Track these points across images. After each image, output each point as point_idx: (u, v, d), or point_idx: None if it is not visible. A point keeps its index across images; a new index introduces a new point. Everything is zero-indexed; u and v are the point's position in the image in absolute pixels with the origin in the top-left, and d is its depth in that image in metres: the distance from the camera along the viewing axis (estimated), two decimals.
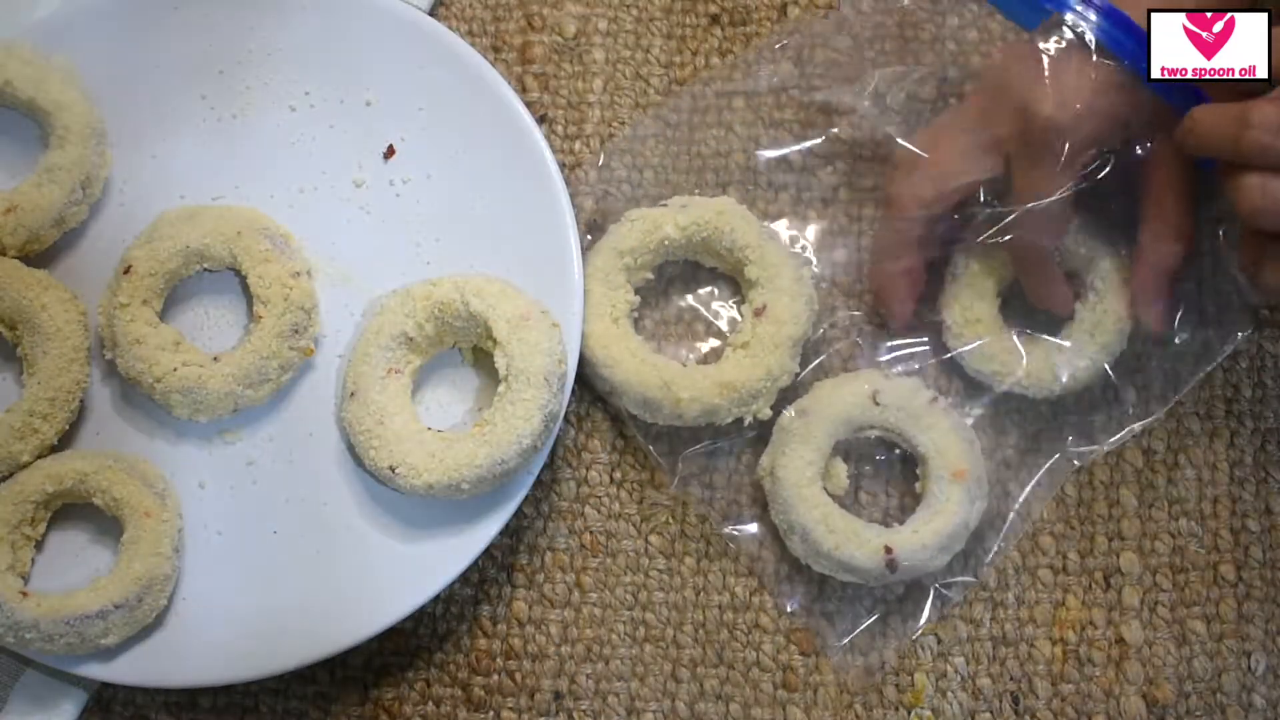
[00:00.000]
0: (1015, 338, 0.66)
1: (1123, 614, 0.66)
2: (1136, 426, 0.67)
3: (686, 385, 0.65)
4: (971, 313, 0.66)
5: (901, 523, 0.65)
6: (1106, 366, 0.66)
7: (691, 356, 0.68)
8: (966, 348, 0.66)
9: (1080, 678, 0.65)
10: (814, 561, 0.64)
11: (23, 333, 0.64)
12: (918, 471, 0.66)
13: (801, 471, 0.64)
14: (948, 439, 0.64)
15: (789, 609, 0.66)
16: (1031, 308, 0.67)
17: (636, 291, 0.68)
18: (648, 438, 0.67)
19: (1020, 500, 0.66)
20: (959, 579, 0.66)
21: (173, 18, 0.69)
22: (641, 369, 0.65)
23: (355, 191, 0.68)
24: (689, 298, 0.70)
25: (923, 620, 0.65)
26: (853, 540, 0.63)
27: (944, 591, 0.65)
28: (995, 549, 0.66)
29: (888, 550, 0.63)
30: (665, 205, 0.68)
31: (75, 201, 0.66)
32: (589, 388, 0.68)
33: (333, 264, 0.67)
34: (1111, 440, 0.67)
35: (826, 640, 0.65)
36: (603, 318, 0.66)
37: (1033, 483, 0.67)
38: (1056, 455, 0.67)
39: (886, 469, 0.67)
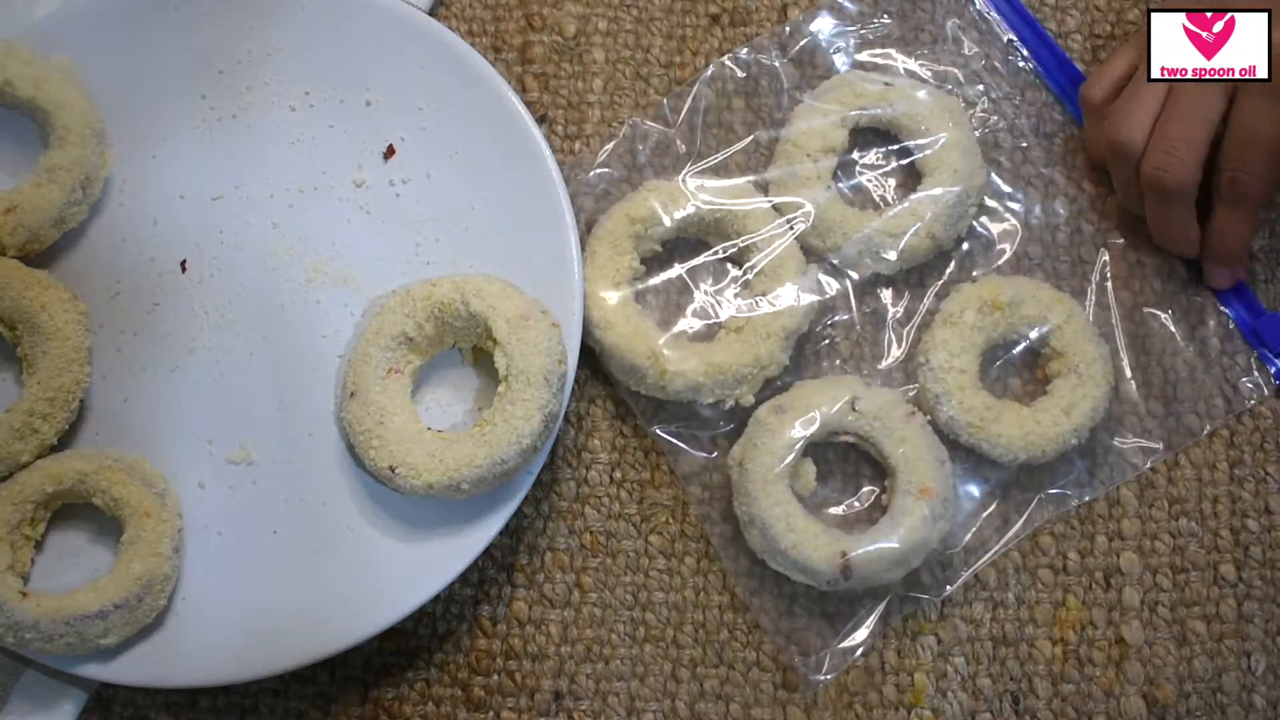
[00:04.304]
0: (991, 397, 0.66)
1: (1123, 614, 0.66)
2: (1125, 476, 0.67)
3: (674, 359, 0.65)
4: (956, 361, 0.66)
5: (862, 531, 0.64)
6: (1075, 442, 0.65)
7: (687, 334, 0.68)
8: (942, 392, 0.66)
9: (1080, 678, 0.65)
10: (769, 558, 0.64)
11: (23, 333, 0.64)
12: (885, 483, 0.66)
13: (770, 467, 0.64)
14: (919, 455, 0.64)
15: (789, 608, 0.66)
16: (1008, 375, 0.67)
17: (642, 261, 0.68)
18: (630, 402, 0.67)
19: (1003, 531, 0.66)
20: (920, 595, 0.66)
21: (173, 18, 0.69)
22: (633, 335, 0.65)
23: (355, 191, 0.68)
24: (692, 276, 0.69)
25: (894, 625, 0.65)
26: (810, 542, 0.63)
27: (924, 597, 0.65)
28: (964, 574, 0.66)
29: (844, 556, 0.62)
30: (683, 181, 0.68)
31: (75, 201, 0.66)
32: (589, 384, 0.68)
33: (333, 264, 0.67)
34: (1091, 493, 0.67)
35: (826, 640, 0.65)
36: (605, 279, 0.66)
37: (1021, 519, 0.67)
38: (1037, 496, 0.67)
39: (855, 476, 0.67)
